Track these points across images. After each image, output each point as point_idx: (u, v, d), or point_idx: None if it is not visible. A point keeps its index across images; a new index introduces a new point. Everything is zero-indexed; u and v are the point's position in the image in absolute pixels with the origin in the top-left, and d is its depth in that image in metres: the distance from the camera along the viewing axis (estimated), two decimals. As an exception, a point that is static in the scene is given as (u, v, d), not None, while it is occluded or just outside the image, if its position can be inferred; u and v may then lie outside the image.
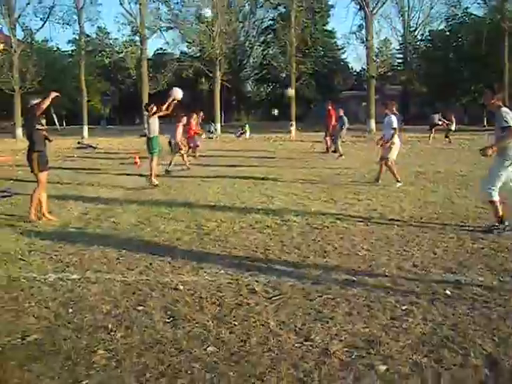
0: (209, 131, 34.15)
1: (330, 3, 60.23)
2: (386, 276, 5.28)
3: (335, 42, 63.87)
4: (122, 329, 4.11)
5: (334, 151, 19.63)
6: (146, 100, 38.35)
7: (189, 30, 44.19)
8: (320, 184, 11.68)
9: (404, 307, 4.45)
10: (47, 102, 8.24)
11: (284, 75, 45.73)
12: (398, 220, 7.82)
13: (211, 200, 9.75)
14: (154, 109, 12.03)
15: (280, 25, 45.31)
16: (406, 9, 56.91)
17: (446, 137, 25.66)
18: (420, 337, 3.89)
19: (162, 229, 7.48)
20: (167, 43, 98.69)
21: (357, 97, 56.35)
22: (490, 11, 38.79)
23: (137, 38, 42.20)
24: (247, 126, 36.16)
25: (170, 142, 15.45)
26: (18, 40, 40.31)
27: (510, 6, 36.31)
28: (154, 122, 11.97)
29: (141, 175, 13.20)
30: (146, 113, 12.12)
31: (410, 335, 3.91)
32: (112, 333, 4.04)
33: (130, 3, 38.96)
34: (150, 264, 5.78)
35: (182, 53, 57.31)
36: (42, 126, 8.52)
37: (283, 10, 50.37)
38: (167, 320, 4.27)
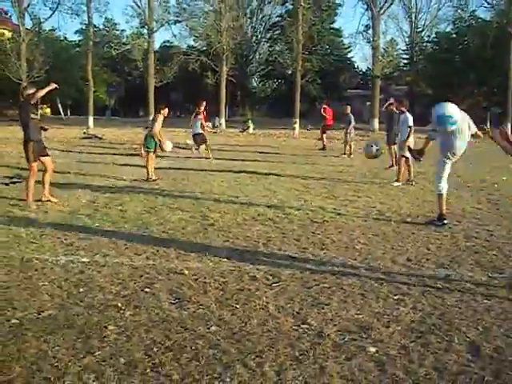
0: (213, 125, 34.39)
1: (337, 2, 60.14)
2: (381, 268, 5.56)
3: (342, 41, 63.89)
4: (131, 308, 4.39)
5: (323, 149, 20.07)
6: (151, 92, 38.69)
7: (196, 23, 44.36)
8: (322, 180, 11.95)
9: (396, 297, 4.73)
10: (43, 92, 8.46)
11: (290, 72, 45.84)
12: (395, 217, 8.09)
13: (216, 192, 10.04)
14: (166, 111, 11.99)
15: (287, 22, 45.43)
16: (414, 10, 57.00)
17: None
18: (409, 324, 4.17)
19: (167, 218, 7.77)
20: (174, 36, 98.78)
21: (362, 96, 56.44)
22: (497, 15, 38.89)
23: (144, 31, 42.40)
24: (250, 121, 36.40)
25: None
26: (27, 29, 40.52)
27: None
28: (159, 122, 11.91)
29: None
30: (158, 115, 11.88)
31: (400, 322, 4.19)
32: (121, 311, 4.32)
33: (138, -5, 39.18)
34: (157, 250, 6.07)
35: (188, 46, 57.48)
36: (36, 115, 8.77)
37: (291, 6, 50.47)
38: (173, 301, 4.56)
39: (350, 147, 18.51)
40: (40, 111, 58.42)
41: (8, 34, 48.44)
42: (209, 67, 44.20)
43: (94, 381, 3.25)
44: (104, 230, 6.98)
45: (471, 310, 4.47)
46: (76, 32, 64.03)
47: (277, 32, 59.32)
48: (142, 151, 16.75)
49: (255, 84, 72.54)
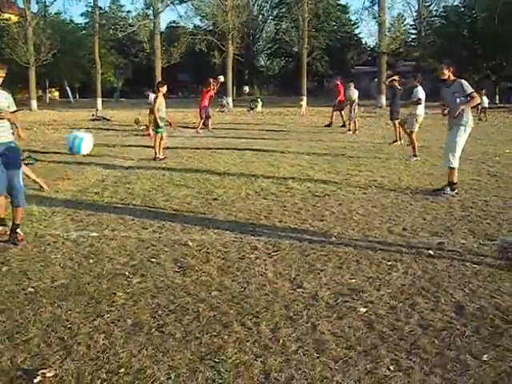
0: (221, 105, 34.54)
1: (344, -23, 59.83)
2: (377, 238, 5.81)
3: (348, 17, 63.55)
4: (138, 276, 4.68)
5: (343, 125, 20.02)
6: (159, 73, 38.80)
7: (202, 3, 44.31)
8: (325, 156, 12.16)
9: (389, 263, 4.99)
10: None
11: (296, 50, 45.76)
12: (394, 190, 8.32)
13: (220, 169, 10.30)
14: (165, 89, 12.05)
15: (293, -1, 45.30)
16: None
17: (481, 114, 24.46)
18: (399, 287, 4.42)
19: (173, 194, 8.04)
20: (180, 16, 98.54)
21: (369, 72, 56.08)
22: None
23: (150, 12, 42.37)
24: (259, 99, 36.49)
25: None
26: (33, 13, 40.66)
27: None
28: (162, 102, 11.95)
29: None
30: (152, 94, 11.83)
31: (391, 286, 4.45)
32: (129, 279, 4.61)
33: (143, -24, 39.18)
34: (163, 224, 6.35)
35: (194, 26, 57.50)
36: None
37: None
38: (177, 270, 4.84)
39: (355, 123, 18.62)
40: (49, 95, 58.64)
41: (14, 19, 48.60)
42: (215, 47, 44.21)
43: (103, 340, 3.54)
44: (112, 207, 7.28)
45: (460, 274, 4.71)
46: (82, 15, 64.08)
47: (283, 10, 59.04)
48: (150, 132, 17.10)
49: (263, 62, 72.40)
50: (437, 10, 56.96)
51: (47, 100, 55.02)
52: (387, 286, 4.43)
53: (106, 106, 39.03)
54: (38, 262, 5.11)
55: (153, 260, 5.10)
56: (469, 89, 7.78)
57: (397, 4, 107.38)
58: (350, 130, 18.58)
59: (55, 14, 55.72)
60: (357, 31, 66.73)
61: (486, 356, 3.31)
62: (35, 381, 3.05)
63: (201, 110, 19.39)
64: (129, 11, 65.87)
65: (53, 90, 62.95)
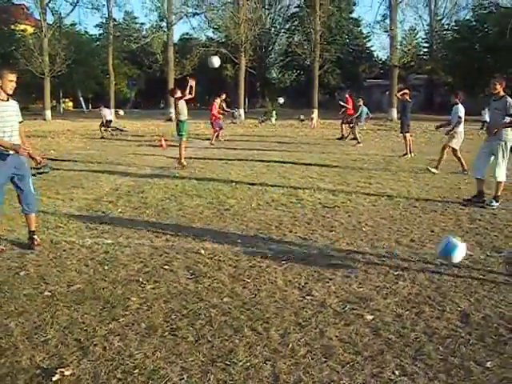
0: (233, 116, 34.79)
1: (356, -9, 60.17)
2: (385, 248, 5.92)
3: (360, 30, 63.73)
4: (151, 282, 4.82)
5: (354, 138, 20.17)
6: (171, 85, 39.12)
7: (215, 15, 44.72)
8: (336, 168, 12.28)
9: (396, 273, 5.09)
10: None
11: (308, 62, 46.00)
12: (403, 202, 8.41)
13: (232, 180, 10.44)
14: (179, 93, 12.43)
15: (305, 12, 45.58)
16: (434, -2, 56.65)
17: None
18: (406, 296, 4.53)
19: (186, 204, 8.20)
20: (193, 28, 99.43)
21: (381, 85, 56.17)
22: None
23: (164, 24, 42.86)
24: (274, 112, 36.62)
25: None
26: (48, 24, 41.24)
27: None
28: (183, 107, 12.34)
29: (168, 157, 13.88)
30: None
31: (398, 294, 4.56)
32: (143, 285, 4.75)
33: (158, -11, 39.67)
34: (176, 233, 6.50)
35: (207, 38, 57.90)
36: None
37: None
38: (189, 276, 4.98)
39: (355, 135, 18.93)
40: (63, 105, 59.23)
41: (30, 30, 49.34)
42: (228, 59, 44.49)
43: (118, 342, 3.67)
44: (126, 215, 7.45)
45: (466, 284, 4.81)
46: (96, 26, 64.76)
47: (295, 23, 59.35)
48: (163, 143, 17.34)
49: (275, 75, 72.74)
50: (448, 24, 57.12)
51: (61, 110, 55.64)
52: (394, 295, 4.54)
53: (120, 117, 39.34)
54: (55, 267, 5.26)
55: (166, 267, 5.24)
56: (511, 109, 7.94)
57: (409, 18, 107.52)
58: (359, 142, 18.69)
59: (70, 25, 56.45)
60: (369, 44, 66.81)
61: (489, 363, 3.40)
62: (54, 379, 3.19)
63: (212, 123, 19.68)
64: (142, 23, 66.63)
65: (67, 100, 63.66)
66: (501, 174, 8.26)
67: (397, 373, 3.29)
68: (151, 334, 3.79)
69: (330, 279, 4.90)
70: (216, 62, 12.96)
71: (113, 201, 8.46)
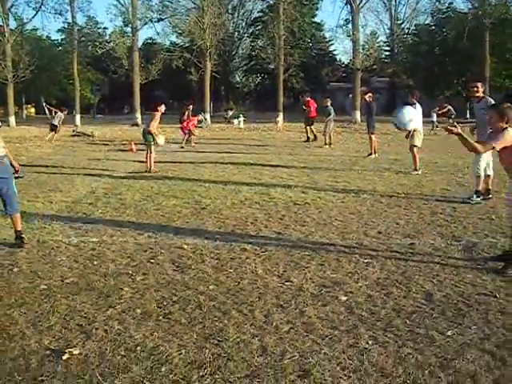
0: (199, 120, 35.04)
1: (317, -4, 61.05)
2: (354, 240, 6.39)
3: (323, 35, 64.80)
4: (140, 274, 5.17)
5: (313, 139, 20.83)
6: (137, 90, 39.27)
7: (179, 21, 44.97)
8: (304, 169, 12.76)
9: (366, 260, 5.55)
10: None
11: (272, 66, 46.62)
12: (369, 198, 8.92)
13: (205, 181, 10.81)
14: (163, 108, 12.69)
15: (268, 16, 46.24)
16: (394, 3, 58.04)
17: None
18: (375, 280, 4.98)
19: (163, 204, 8.54)
20: (157, 33, 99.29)
21: (344, 89, 57.27)
22: (473, 7, 39.98)
23: (128, 29, 42.90)
24: (241, 115, 36.98)
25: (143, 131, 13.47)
26: (11, 29, 40.87)
27: (491, 2, 37.54)
28: (156, 119, 12.55)
29: (140, 161, 14.12)
30: (155, 112, 12.40)
31: (368, 279, 5.01)
32: (133, 277, 5.09)
33: (122, -6, 39.67)
34: (157, 230, 6.85)
35: (171, 43, 58.02)
36: None
37: (272, 1, 51.12)
38: (175, 268, 5.34)
39: (330, 137, 19.35)
40: (25, 111, 58.42)
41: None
42: (192, 63, 44.80)
43: (118, 325, 4.02)
44: (107, 216, 7.76)
45: (429, 269, 5.30)
46: (58, 31, 64.19)
47: (259, 27, 59.98)
48: (133, 147, 17.58)
49: (239, 79, 73.23)
50: (409, 28, 58.60)
51: (24, 116, 55.03)
52: (365, 279, 4.99)
53: (84, 123, 39.26)
54: (46, 263, 5.56)
55: (152, 261, 5.59)
56: None
57: (370, 22, 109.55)
58: (326, 143, 19.22)
59: (32, 30, 55.93)
60: (331, 48, 68.01)
61: (449, 332, 3.87)
62: (64, 357, 3.52)
63: (183, 128, 20.03)
64: (105, 28, 66.40)
65: (29, 106, 62.99)
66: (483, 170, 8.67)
67: (370, 342, 3.72)
68: (147, 319, 4.14)
69: (306, 267, 5.33)
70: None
71: (92, 202, 8.75)
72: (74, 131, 28.44)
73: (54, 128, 23.71)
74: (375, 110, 15.90)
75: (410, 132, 11.87)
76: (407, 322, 4.05)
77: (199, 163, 14.08)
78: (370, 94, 16.11)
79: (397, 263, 5.47)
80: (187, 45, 51.98)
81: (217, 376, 3.29)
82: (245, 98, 71.65)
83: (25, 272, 5.29)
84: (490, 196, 8.76)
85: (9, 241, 6.33)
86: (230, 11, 60.55)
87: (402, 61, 57.61)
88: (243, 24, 65.98)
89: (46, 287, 4.85)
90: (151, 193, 9.56)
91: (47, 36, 62.63)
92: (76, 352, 3.59)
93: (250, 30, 65.20)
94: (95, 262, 5.56)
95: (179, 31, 49.20)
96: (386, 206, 8.35)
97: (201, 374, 3.32)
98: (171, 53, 45.28)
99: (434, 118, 27.91)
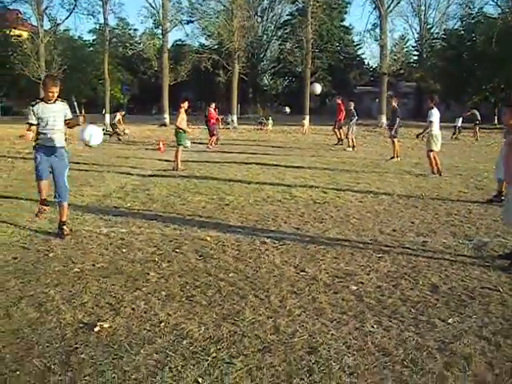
0: (226, 122, 35.54)
1: (346, 0, 61.19)
2: (369, 236, 6.69)
3: (351, 38, 64.92)
4: (166, 262, 5.55)
5: (340, 142, 21.02)
6: (166, 91, 39.91)
7: (208, 23, 45.52)
8: (326, 170, 13.06)
9: (379, 255, 5.85)
10: None
11: (300, 69, 46.95)
12: (388, 199, 9.20)
13: (230, 180, 11.20)
14: (186, 105, 13.09)
15: (297, 20, 46.55)
16: (423, 8, 57.96)
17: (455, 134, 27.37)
18: (386, 272, 5.29)
19: (189, 199, 8.95)
20: (187, 35, 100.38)
21: (371, 92, 57.22)
22: (503, 12, 39.77)
23: (158, 31, 43.64)
24: (270, 118, 37.21)
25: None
26: (45, 30, 41.89)
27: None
28: (184, 117, 13.00)
29: (166, 160, 14.58)
30: (181, 109, 12.90)
31: (379, 272, 5.31)
32: (158, 264, 5.48)
33: (153, -3, 40.41)
34: (182, 223, 7.24)
35: (200, 45, 58.72)
36: None
37: (301, 5, 51.43)
38: (198, 258, 5.71)
39: (353, 140, 19.58)
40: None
41: (25, 35, 49.93)
42: (220, 65, 45.30)
43: (144, 305, 4.39)
44: (135, 209, 8.19)
45: (438, 264, 5.58)
46: (90, 31, 65.46)
47: (287, 30, 60.33)
48: (161, 146, 18.06)
49: (266, 82, 73.66)
50: (438, 33, 58.38)
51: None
52: (375, 272, 5.30)
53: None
54: (78, 250, 5.98)
55: (177, 250, 5.98)
56: None
57: (399, 27, 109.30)
58: (349, 146, 19.46)
59: (64, 30, 57.19)
60: (359, 52, 68.07)
61: (450, 320, 4.16)
62: (95, 329, 3.90)
63: (210, 128, 20.42)
64: (136, 29, 67.41)
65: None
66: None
67: (375, 326, 4.03)
68: (171, 300, 4.51)
69: (321, 259, 5.66)
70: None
71: (121, 197, 9.19)
72: (103, 130, 29.07)
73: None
74: (400, 114, 16.08)
75: (422, 133, 12.11)
76: (412, 310, 4.35)
77: (225, 163, 14.48)
78: (394, 99, 16.32)
79: (408, 258, 5.76)
80: (216, 47, 52.63)
81: (232, 350, 3.64)
82: (272, 100, 71.98)
83: (59, 257, 5.71)
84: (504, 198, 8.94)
85: (43, 229, 6.77)
86: (259, 14, 61.17)
87: (430, 65, 57.44)
88: (272, 27, 66.50)
89: (78, 270, 5.26)
90: (178, 189, 9.98)
91: (79, 36, 64.07)
92: (106, 325, 3.97)
93: (279, 33, 65.64)
94: (124, 250, 5.96)
95: (208, 33, 49.79)
96: (403, 206, 8.62)
97: (218, 347, 3.67)
98: (200, 54, 45.81)
99: (459, 123, 27.84)
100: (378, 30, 40.04)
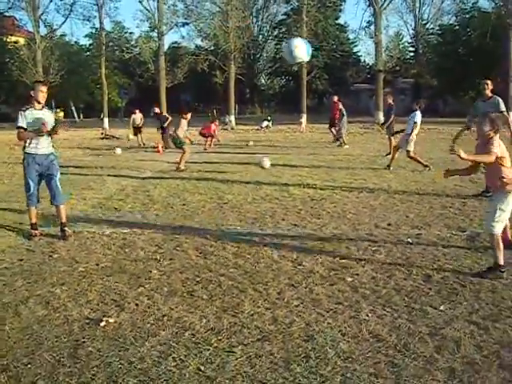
0: (224, 123, 35.69)
1: (340, -2, 61.27)
2: (365, 230, 6.86)
3: (347, 36, 64.96)
4: (167, 259, 5.73)
5: (337, 140, 21.19)
6: (163, 93, 40.05)
7: (204, 25, 45.69)
8: (323, 168, 13.21)
9: (374, 248, 6.03)
10: None
11: (296, 69, 47.06)
12: (383, 194, 9.36)
13: (228, 179, 11.37)
14: (189, 116, 13.80)
15: (292, 19, 46.69)
16: (418, 4, 58.07)
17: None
18: (381, 264, 5.46)
19: (188, 199, 9.13)
20: (183, 37, 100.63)
21: (368, 90, 57.34)
22: (496, 6, 39.89)
23: (154, 34, 43.76)
24: (270, 117, 37.21)
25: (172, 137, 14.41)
26: (41, 36, 42.03)
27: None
28: (184, 127, 13.72)
29: (167, 161, 14.76)
30: (182, 119, 13.60)
31: (374, 263, 5.49)
32: (160, 262, 5.66)
33: (148, 0, 40.52)
34: (183, 222, 7.42)
35: (196, 46, 58.81)
36: None
37: (296, 4, 51.54)
38: (199, 255, 5.89)
39: (342, 138, 19.82)
40: (55, 115, 60.05)
41: (21, 41, 50.09)
42: (217, 66, 45.44)
43: (147, 300, 4.57)
44: (136, 210, 8.37)
45: (431, 255, 5.75)
46: (86, 36, 65.55)
47: (283, 30, 60.45)
48: (160, 148, 18.24)
49: (263, 81, 73.80)
50: (433, 29, 58.44)
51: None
52: (371, 264, 5.47)
53: (112, 126, 40.18)
54: (82, 251, 6.15)
55: (178, 248, 6.15)
56: (502, 106, 8.92)
57: (393, 23, 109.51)
58: (344, 143, 19.57)
59: (61, 35, 57.25)
60: (355, 50, 68.09)
61: (442, 307, 4.33)
62: (101, 324, 4.08)
63: (205, 133, 20.65)
64: (132, 32, 67.52)
65: (58, 110, 64.39)
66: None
67: (369, 315, 4.21)
68: (173, 295, 4.69)
69: (318, 253, 5.83)
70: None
71: (122, 199, 9.36)
72: (102, 134, 29.27)
73: (136, 130, 24.06)
74: (395, 112, 16.24)
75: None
76: (405, 298, 4.53)
77: (223, 163, 14.65)
78: (389, 96, 16.47)
79: (402, 250, 5.93)
80: (212, 48, 52.70)
81: (233, 340, 3.81)
82: (270, 100, 72.10)
83: (64, 258, 5.88)
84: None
85: (46, 232, 6.94)
86: (254, 14, 61.24)
87: (426, 61, 57.56)
88: (267, 27, 66.57)
89: (83, 270, 5.43)
90: (177, 190, 10.16)
91: (75, 41, 64.03)
92: (112, 320, 4.15)
93: (275, 33, 65.72)
94: (126, 250, 6.14)
95: (204, 35, 49.95)
96: (399, 201, 8.78)
97: (219, 337, 3.84)
98: (196, 56, 45.92)
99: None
100: (372, 28, 40.14)
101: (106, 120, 40.11)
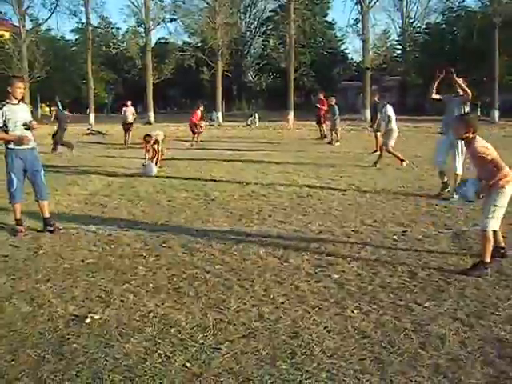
0: (211, 119, 35.58)
1: (328, -5, 61.36)
2: (350, 227, 6.88)
3: (335, 34, 65.06)
4: (153, 256, 5.71)
5: (325, 137, 21.26)
6: (150, 89, 39.88)
7: (191, 21, 45.58)
8: (309, 165, 13.23)
9: (359, 245, 6.05)
10: None
11: (284, 65, 47.06)
12: (370, 191, 9.40)
13: (215, 176, 11.36)
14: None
15: (280, 16, 46.65)
16: (405, 2, 58.26)
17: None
18: (366, 261, 5.48)
19: (175, 196, 9.10)
20: (170, 33, 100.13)
21: (356, 87, 57.42)
22: (483, 5, 40.16)
23: (141, 29, 43.55)
24: (256, 114, 37.08)
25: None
26: (27, 30, 41.62)
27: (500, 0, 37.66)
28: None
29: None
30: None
31: (360, 260, 5.51)
32: (146, 258, 5.64)
33: (135, -5, 40.26)
34: (169, 219, 7.40)
35: (183, 42, 58.64)
36: None
37: (283, 1, 51.50)
38: (185, 251, 5.87)
39: (337, 134, 19.81)
40: (39, 110, 59.26)
41: (7, 36, 49.57)
42: (204, 63, 45.34)
43: (133, 297, 4.55)
44: (122, 206, 8.32)
45: (417, 252, 5.79)
46: (72, 31, 64.98)
47: (270, 27, 60.40)
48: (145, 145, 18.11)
49: (251, 78, 73.69)
50: (420, 27, 58.73)
51: (39, 115, 55.91)
52: (356, 261, 5.49)
53: (98, 121, 39.92)
54: (68, 247, 6.11)
55: (164, 245, 6.13)
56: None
57: (381, 21, 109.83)
58: (337, 140, 19.64)
59: (46, 30, 56.77)
60: (343, 47, 68.21)
61: (427, 303, 4.36)
62: (87, 321, 4.06)
63: (192, 127, 20.57)
64: (118, 28, 67.20)
65: (43, 105, 63.89)
66: (459, 167, 9.12)
67: (355, 312, 4.22)
68: (159, 292, 4.67)
69: (304, 250, 5.84)
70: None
71: (108, 195, 9.31)
72: (88, 129, 29.09)
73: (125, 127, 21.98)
74: (381, 109, 16.28)
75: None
76: (390, 295, 4.55)
77: (210, 160, 14.60)
78: (375, 94, 16.53)
79: (388, 247, 5.96)
80: (199, 44, 52.56)
81: (219, 336, 3.81)
82: (257, 96, 72.05)
83: (49, 254, 5.84)
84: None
85: (32, 228, 6.89)
86: (241, 11, 61.11)
87: (413, 59, 57.79)
88: (255, 23, 66.54)
89: (68, 266, 5.40)
90: (163, 186, 10.12)
91: (61, 36, 63.42)
92: (97, 317, 4.13)
93: (262, 30, 65.67)
94: (112, 246, 6.11)
95: (191, 31, 49.82)
96: (385, 198, 8.82)
97: (205, 334, 3.84)
98: (183, 52, 45.86)
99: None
100: (360, 25, 40.21)
101: (92, 116, 39.82)
